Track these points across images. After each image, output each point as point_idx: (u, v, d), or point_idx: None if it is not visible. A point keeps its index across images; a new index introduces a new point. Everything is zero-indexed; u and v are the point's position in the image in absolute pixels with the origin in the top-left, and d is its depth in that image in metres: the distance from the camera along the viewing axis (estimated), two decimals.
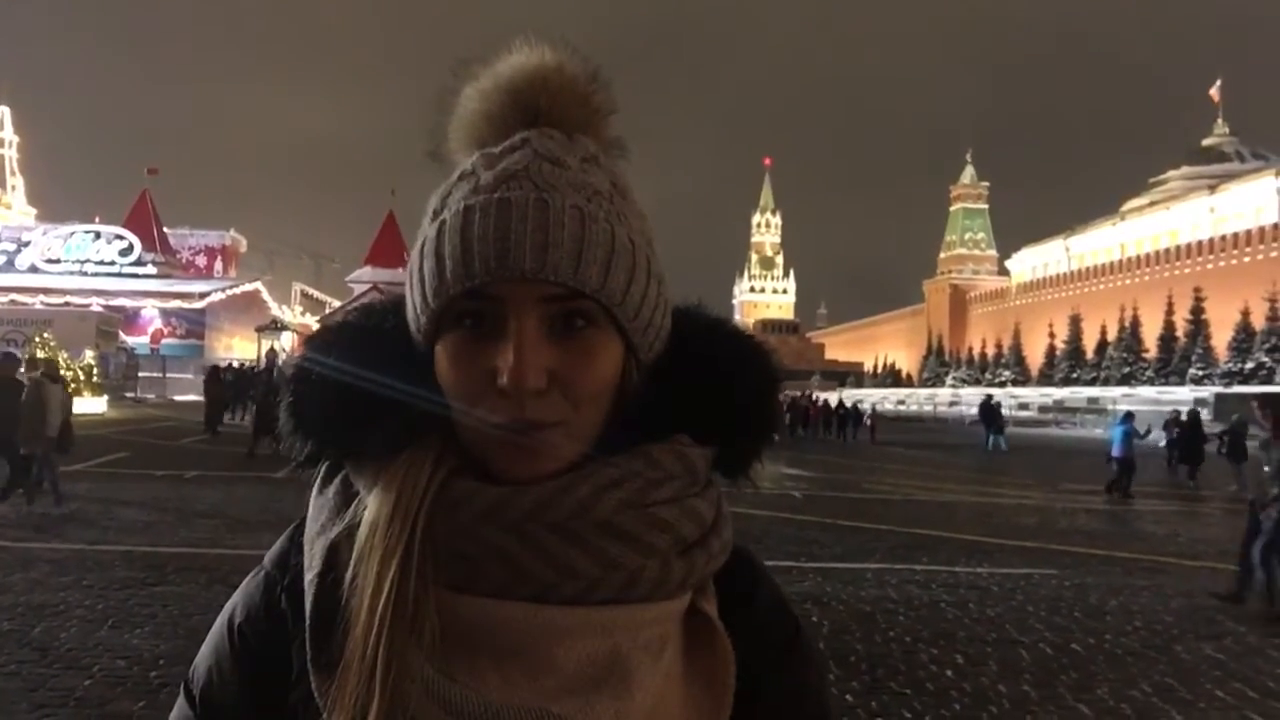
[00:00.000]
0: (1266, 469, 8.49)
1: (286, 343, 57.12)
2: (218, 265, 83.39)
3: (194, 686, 0.79)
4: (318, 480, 0.80)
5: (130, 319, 55.53)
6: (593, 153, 0.75)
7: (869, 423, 41.13)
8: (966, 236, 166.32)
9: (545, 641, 0.68)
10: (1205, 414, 48.05)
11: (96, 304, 51.98)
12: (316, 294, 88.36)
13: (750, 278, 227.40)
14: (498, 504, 0.69)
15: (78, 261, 60.66)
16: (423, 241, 0.73)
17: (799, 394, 47.29)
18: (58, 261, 60.61)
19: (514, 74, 0.76)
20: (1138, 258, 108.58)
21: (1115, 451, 18.00)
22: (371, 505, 0.72)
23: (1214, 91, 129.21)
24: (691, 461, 0.75)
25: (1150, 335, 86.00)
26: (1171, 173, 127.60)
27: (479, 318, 0.70)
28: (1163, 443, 25.41)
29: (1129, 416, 19.02)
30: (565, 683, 0.68)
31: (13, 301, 49.74)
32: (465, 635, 0.69)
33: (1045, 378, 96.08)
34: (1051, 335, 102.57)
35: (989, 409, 34.71)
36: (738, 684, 0.74)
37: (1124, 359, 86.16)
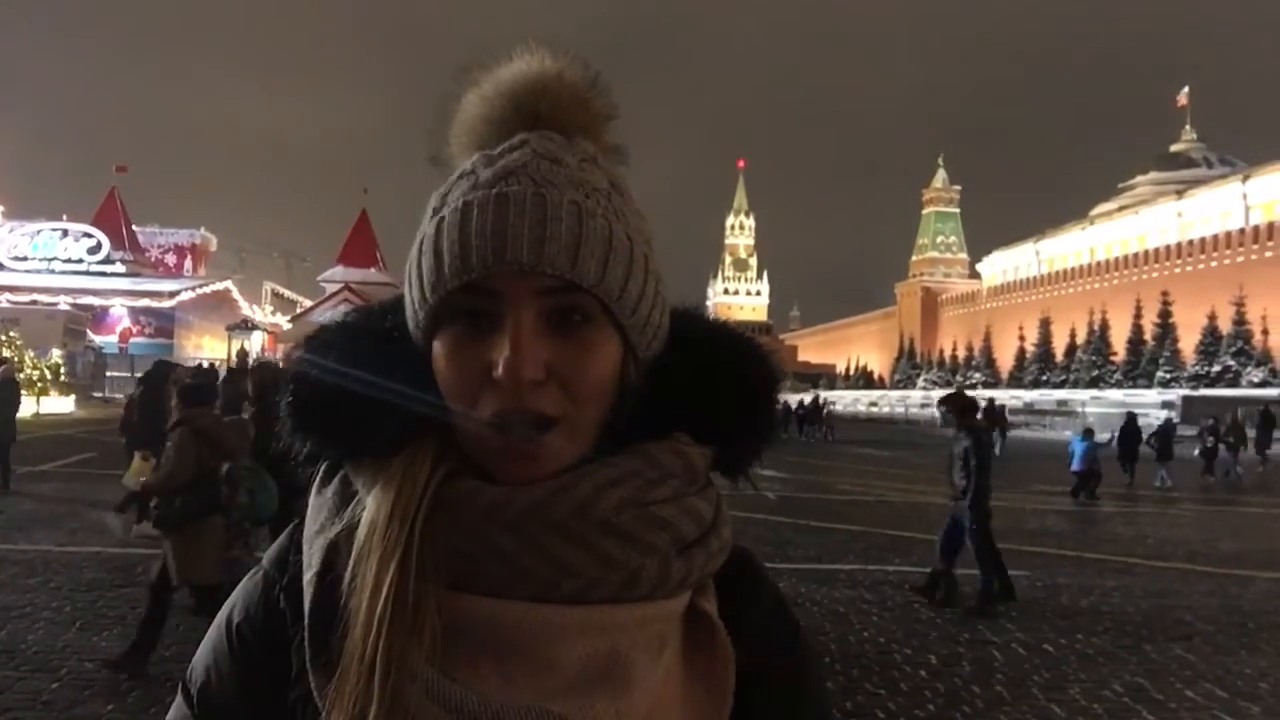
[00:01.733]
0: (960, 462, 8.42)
1: (257, 342, 56.74)
2: (187, 264, 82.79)
3: (192, 686, 0.78)
4: (316, 480, 0.79)
5: (98, 318, 54.98)
6: (591, 154, 0.75)
7: (826, 423, 41.91)
8: (938, 240, 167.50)
9: (545, 640, 0.68)
10: (1173, 416, 48.66)
11: (64, 302, 51.42)
12: (288, 293, 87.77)
13: (724, 279, 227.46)
14: (497, 503, 0.69)
15: (45, 259, 59.96)
16: (421, 238, 0.73)
17: None
18: (25, 259, 59.88)
19: (515, 80, 0.77)
20: (1107, 262, 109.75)
21: (1075, 465, 18.16)
22: (370, 505, 0.72)
23: (1182, 98, 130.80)
24: (691, 460, 0.75)
25: (1119, 338, 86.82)
26: (1140, 178, 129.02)
27: (476, 313, 0.70)
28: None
29: (1089, 433, 19.23)
30: (565, 682, 0.68)
31: None
32: (465, 634, 0.68)
33: (1015, 380, 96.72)
34: (1021, 338, 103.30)
35: (993, 412, 31.62)
36: (738, 683, 0.74)
37: (1093, 362, 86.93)
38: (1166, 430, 23.32)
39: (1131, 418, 24.38)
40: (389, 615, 0.66)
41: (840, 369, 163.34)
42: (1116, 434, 23.02)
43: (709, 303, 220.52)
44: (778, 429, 0.81)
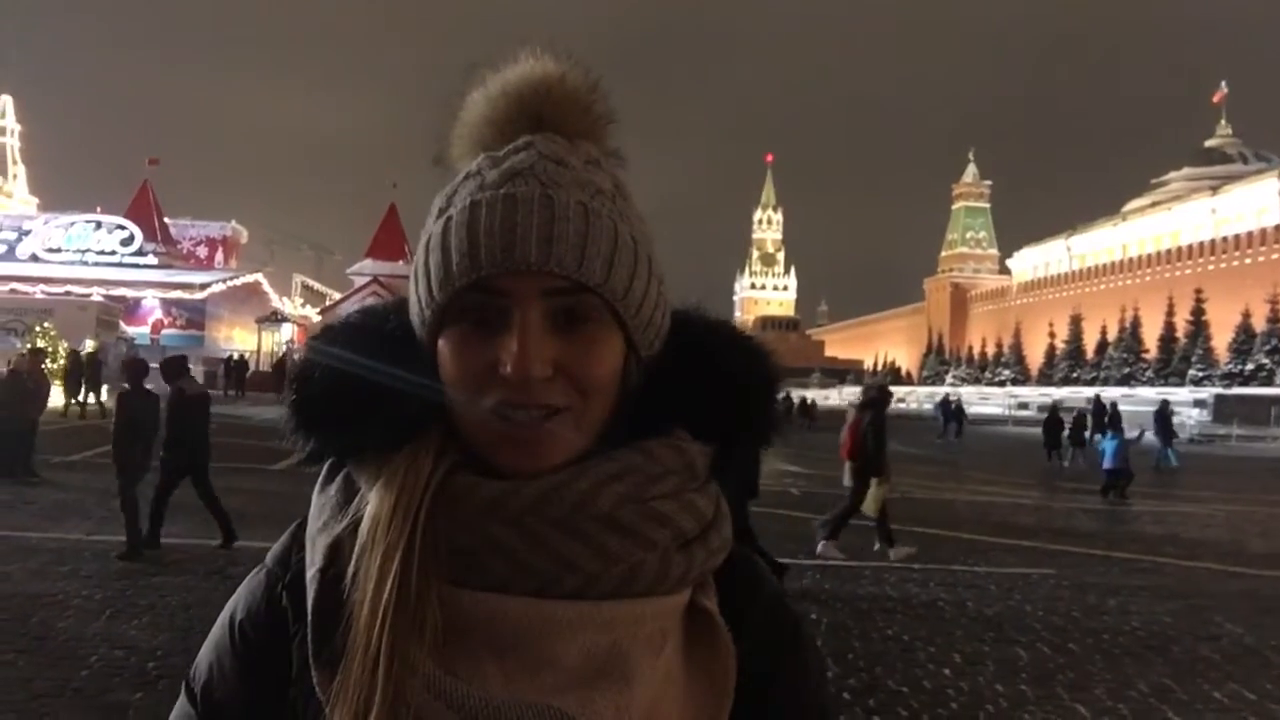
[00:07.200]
0: None
1: (287, 334, 57.11)
2: (219, 256, 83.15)
3: (195, 684, 0.79)
4: (320, 479, 0.80)
5: (131, 309, 55.32)
6: (594, 156, 0.77)
7: (810, 416, 44.96)
8: (968, 235, 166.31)
9: (546, 636, 0.69)
10: (1205, 415, 48.18)
11: (97, 294, 51.78)
12: (317, 286, 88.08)
13: (751, 274, 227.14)
14: (499, 498, 0.69)
15: (79, 251, 60.38)
16: (428, 238, 0.74)
17: None
18: (59, 251, 60.34)
19: (519, 82, 0.78)
20: (1139, 258, 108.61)
21: (1106, 464, 17.99)
22: (373, 501, 0.72)
23: (1218, 93, 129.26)
24: (690, 457, 0.76)
25: (1151, 336, 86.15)
26: (1174, 174, 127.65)
27: (483, 311, 0.71)
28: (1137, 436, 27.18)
29: (1119, 431, 19.02)
30: (566, 677, 0.69)
31: (13, 290, 49.60)
32: (467, 629, 0.69)
33: (1045, 377, 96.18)
34: (1052, 335, 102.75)
35: (1165, 417, 27.44)
36: (738, 679, 0.75)
37: (1124, 359, 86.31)
38: (1164, 414, 26.58)
39: (1054, 408, 29.03)
40: (392, 610, 0.67)
41: (868, 364, 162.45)
42: (1154, 420, 26.40)
43: (735, 297, 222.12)
44: (778, 427, 0.82)
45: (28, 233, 61.72)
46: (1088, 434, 27.73)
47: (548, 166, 0.73)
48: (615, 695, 0.69)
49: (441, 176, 0.79)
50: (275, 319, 56.93)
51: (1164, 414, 27.26)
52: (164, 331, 57.24)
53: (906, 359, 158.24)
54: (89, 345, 33.58)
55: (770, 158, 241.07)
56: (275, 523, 0.85)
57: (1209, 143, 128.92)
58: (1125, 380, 78.90)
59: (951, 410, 41.40)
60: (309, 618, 0.71)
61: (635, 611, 0.71)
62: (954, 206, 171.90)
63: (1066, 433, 26.96)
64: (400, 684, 0.66)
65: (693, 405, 0.77)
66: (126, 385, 9.61)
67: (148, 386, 9.54)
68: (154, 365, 9.95)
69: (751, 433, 0.80)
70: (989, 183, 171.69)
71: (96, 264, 59.54)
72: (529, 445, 0.71)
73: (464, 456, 0.73)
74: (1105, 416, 28.07)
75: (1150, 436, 25.90)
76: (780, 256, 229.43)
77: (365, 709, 0.65)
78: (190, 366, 10.14)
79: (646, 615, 0.72)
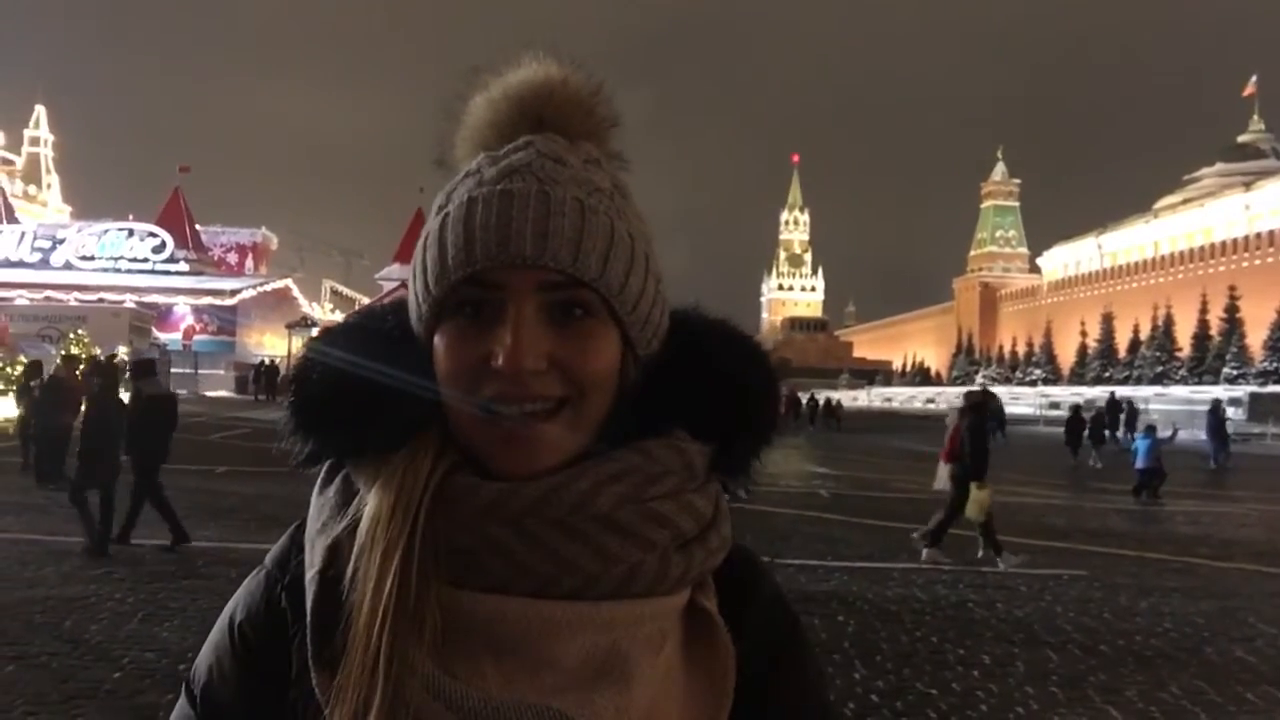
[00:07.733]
0: None
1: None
2: (249, 262, 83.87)
3: (194, 685, 0.80)
4: (319, 480, 0.80)
5: (163, 315, 55.82)
6: (594, 156, 0.77)
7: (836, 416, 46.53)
8: (997, 234, 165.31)
9: (545, 637, 0.69)
10: (1239, 413, 47.63)
11: (130, 300, 52.32)
12: (346, 291, 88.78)
13: (778, 275, 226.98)
14: (498, 499, 0.69)
15: (111, 259, 60.98)
16: (426, 234, 0.75)
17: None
18: (92, 259, 60.97)
19: (520, 85, 0.79)
20: (1171, 255, 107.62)
21: (1139, 463, 17.84)
22: (372, 501, 0.72)
23: (1250, 87, 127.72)
24: (689, 457, 0.75)
25: (1184, 334, 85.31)
26: (1206, 170, 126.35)
27: (479, 305, 0.72)
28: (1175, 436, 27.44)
29: (1151, 430, 18.88)
30: (565, 678, 0.69)
31: (47, 298, 50.22)
32: (466, 630, 0.69)
33: (1077, 376, 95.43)
34: (1083, 334, 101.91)
35: (1219, 417, 27.02)
36: (738, 679, 0.75)
37: (1157, 358, 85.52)
38: (1218, 414, 26.77)
39: (1076, 408, 28.97)
40: (392, 610, 0.67)
41: (897, 365, 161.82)
42: (1207, 420, 26.75)
43: (763, 299, 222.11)
44: (777, 429, 0.81)
45: (61, 241, 62.42)
46: (1106, 432, 28.11)
47: (545, 164, 0.73)
48: (615, 696, 0.69)
49: (446, 178, 0.79)
50: (305, 324, 57.23)
51: (1218, 413, 26.92)
52: (196, 337, 57.82)
53: (936, 359, 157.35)
54: (122, 351, 33.86)
55: (797, 158, 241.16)
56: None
57: (1241, 138, 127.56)
58: (1158, 379, 78.14)
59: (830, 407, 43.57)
60: (308, 619, 0.71)
61: (634, 612, 0.71)
62: (983, 205, 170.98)
63: (1087, 432, 27.16)
64: (399, 684, 0.66)
65: (692, 405, 0.77)
66: (96, 390, 9.92)
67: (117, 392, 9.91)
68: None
69: (751, 432, 0.80)
70: (1018, 181, 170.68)
71: (129, 271, 60.13)
72: (520, 447, 0.71)
73: (463, 457, 0.73)
74: (1120, 414, 28.13)
75: (1184, 436, 25.76)
76: (807, 257, 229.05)
77: (364, 709, 0.66)
78: (158, 369, 10.54)
79: (646, 615, 0.72)
